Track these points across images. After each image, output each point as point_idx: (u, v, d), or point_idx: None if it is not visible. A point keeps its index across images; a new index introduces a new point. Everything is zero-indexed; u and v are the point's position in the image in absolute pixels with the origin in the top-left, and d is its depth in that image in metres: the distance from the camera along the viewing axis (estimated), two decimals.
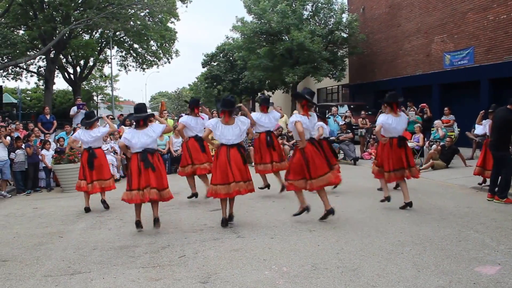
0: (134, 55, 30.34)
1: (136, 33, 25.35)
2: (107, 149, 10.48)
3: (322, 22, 21.93)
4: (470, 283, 3.64)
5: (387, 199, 6.42)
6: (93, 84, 39.56)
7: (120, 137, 9.72)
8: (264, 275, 3.97)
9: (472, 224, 5.50)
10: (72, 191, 8.65)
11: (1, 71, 25.40)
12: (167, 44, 29.19)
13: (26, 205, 8.14)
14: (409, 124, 11.99)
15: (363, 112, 14.97)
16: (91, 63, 30.24)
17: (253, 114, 7.61)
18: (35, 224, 6.46)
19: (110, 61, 30.91)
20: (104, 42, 29.08)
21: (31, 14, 23.39)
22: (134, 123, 5.78)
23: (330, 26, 21.51)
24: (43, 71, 27.03)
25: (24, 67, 26.31)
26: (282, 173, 6.94)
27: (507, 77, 13.12)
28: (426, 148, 11.44)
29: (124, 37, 28.49)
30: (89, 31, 26.66)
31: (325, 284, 3.72)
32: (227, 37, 35.44)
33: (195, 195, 7.39)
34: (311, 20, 21.87)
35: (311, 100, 5.67)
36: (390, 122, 6.31)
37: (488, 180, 7.47)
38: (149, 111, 7.63)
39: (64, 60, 28.19)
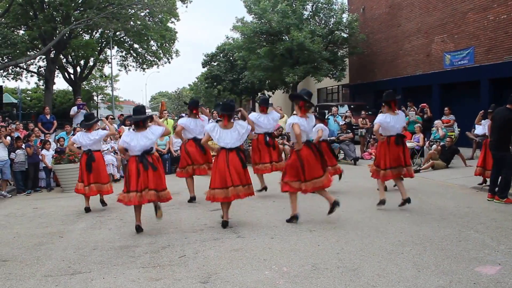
0: (134, 55, 30.35)
1: (136, 33, 25.35)
2: (107, 149, 10.49)
3: (322, 22, 21.94)
4: (470, 283, 3.64)
5: (382, 202, 6.37)
6: (93, 84, 39.56)
7: (120, 137, 9.73)
8: (264, 275, 3.97)
9: (472, 224, 5.50)
10: (72, 191, 8.61)
11: (1, 71, 25.40)
12: (167, 44, 29.19)
13: (26, 205, 8.14)
14: (409, 124, 12.06)
15: (363, 112, 14.99)
16: (91, 63, 30.25)
17: (251, 115, 7.58)
18: (35, 224, 6.46)
19: (110, 61, 30.97)
20: (104, 42, 29.08)
21: (31, 14, 23.40)
22: (133, 125, 5.78)
23: (330, 26, 21.50)
24: (43, 71, 27.03)
25: (24, 67, 26.32)
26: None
27: (507, 77, 13.12)
28: (426, 148, 11.44)
29: (124, 37, 28.48)
30: (89, 31, 26.66)
31: (325, 284, 3.72)
32: (227, 37, 35.53)
33: (193, 198, 7.37)
34: (311, 20, 21.87)
35: (309, 101, 5.67)
36: (388, 121, 6.30)
37: (488, 180, 7.47)
38: (149, 111, 7.63)
39: (64, 60, 28.20)
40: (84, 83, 34.25)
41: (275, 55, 21.56)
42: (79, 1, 24.18)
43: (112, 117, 12.89)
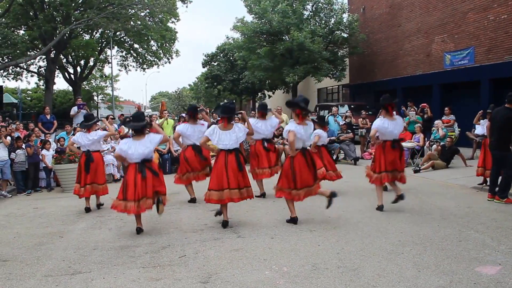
0: (135, 55, 30.35)
1: (136, 33, 25.35)
2: (108, 149, 10.49)
3: (323, 22, 21.91)
4: (470, 283, 3.64)
5: (380, 208, 6.34)
6: (94, 84, 39.57)
7: (120, 137, 9.74)
8: (264, 275, 3.97)
9: (472, 224, 5.50)
10: (72, 191, 8.64)
11: (2, 71, 25.41)
12: (167, 44, 29.19)
13: (26, 205, 8.14)
14: (409, 124, 12.06)
15: (363, 112, 14.96)
16: (91, 63, 30.26)
17: (250, 120, 7.56)
18: (36, 224, 6.46)
19: (110, 61, 30.98)
20: (105, 42, 29.09)
21: (31, 14, 23.41)
22: (132, 132, 5.76)
23: (331, 26, 21.48)
24: (43, 71, 27.04)
25: (25, 67, 26.32)
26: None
27: (508, 77, 13.11)
28: (426, 148, 11.43)
29: (124, 37, 28.49)
30: (90, 31, 26.66)
31: (326, 284, 3.72)
32: (227, 37, 35.58)
33: (193, 200, 7.37)
34: (311, 20, 21.85)
35: (305, 108, 5.67)
36: (386, 126, 6.25)
37: (489, 180, 7.46)
38: (149, 111, 7.62)
39: (64, 60, 28.21)
40: (84, 83, 34.25)
41: (275, 55, 21.56)
42: (79, 1, 24.19)
43: (112, 117, 12.89)
